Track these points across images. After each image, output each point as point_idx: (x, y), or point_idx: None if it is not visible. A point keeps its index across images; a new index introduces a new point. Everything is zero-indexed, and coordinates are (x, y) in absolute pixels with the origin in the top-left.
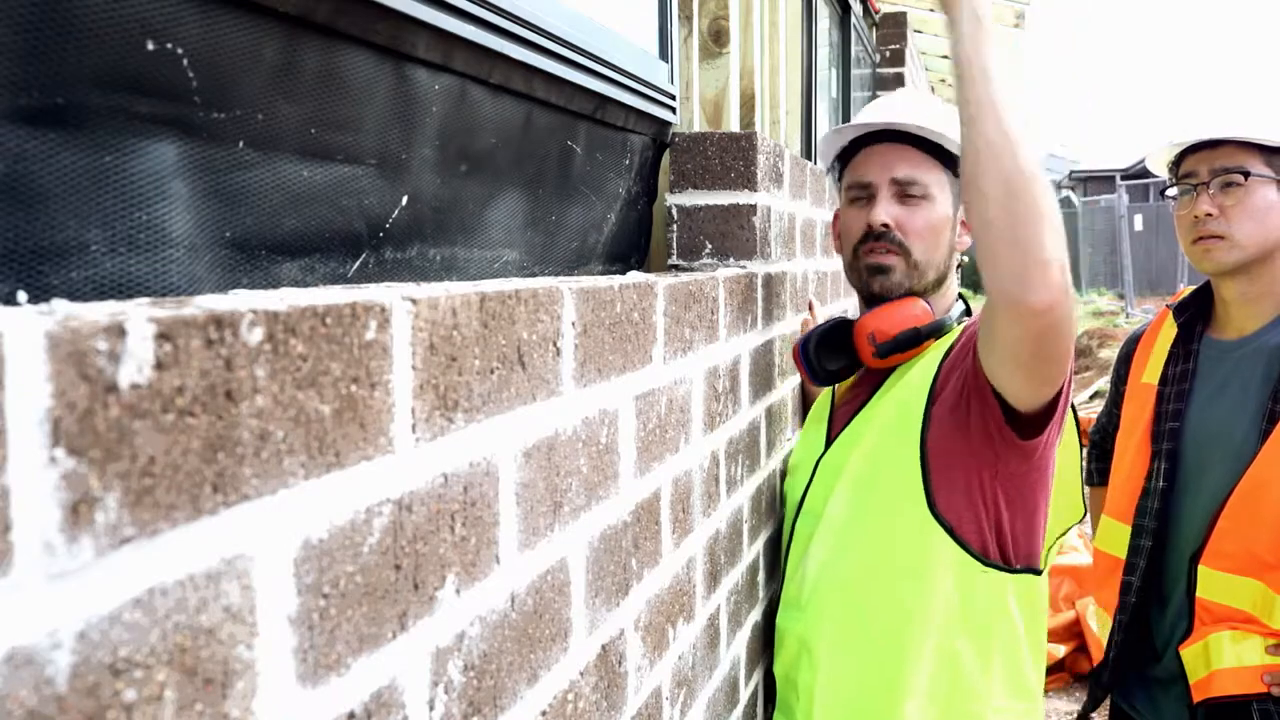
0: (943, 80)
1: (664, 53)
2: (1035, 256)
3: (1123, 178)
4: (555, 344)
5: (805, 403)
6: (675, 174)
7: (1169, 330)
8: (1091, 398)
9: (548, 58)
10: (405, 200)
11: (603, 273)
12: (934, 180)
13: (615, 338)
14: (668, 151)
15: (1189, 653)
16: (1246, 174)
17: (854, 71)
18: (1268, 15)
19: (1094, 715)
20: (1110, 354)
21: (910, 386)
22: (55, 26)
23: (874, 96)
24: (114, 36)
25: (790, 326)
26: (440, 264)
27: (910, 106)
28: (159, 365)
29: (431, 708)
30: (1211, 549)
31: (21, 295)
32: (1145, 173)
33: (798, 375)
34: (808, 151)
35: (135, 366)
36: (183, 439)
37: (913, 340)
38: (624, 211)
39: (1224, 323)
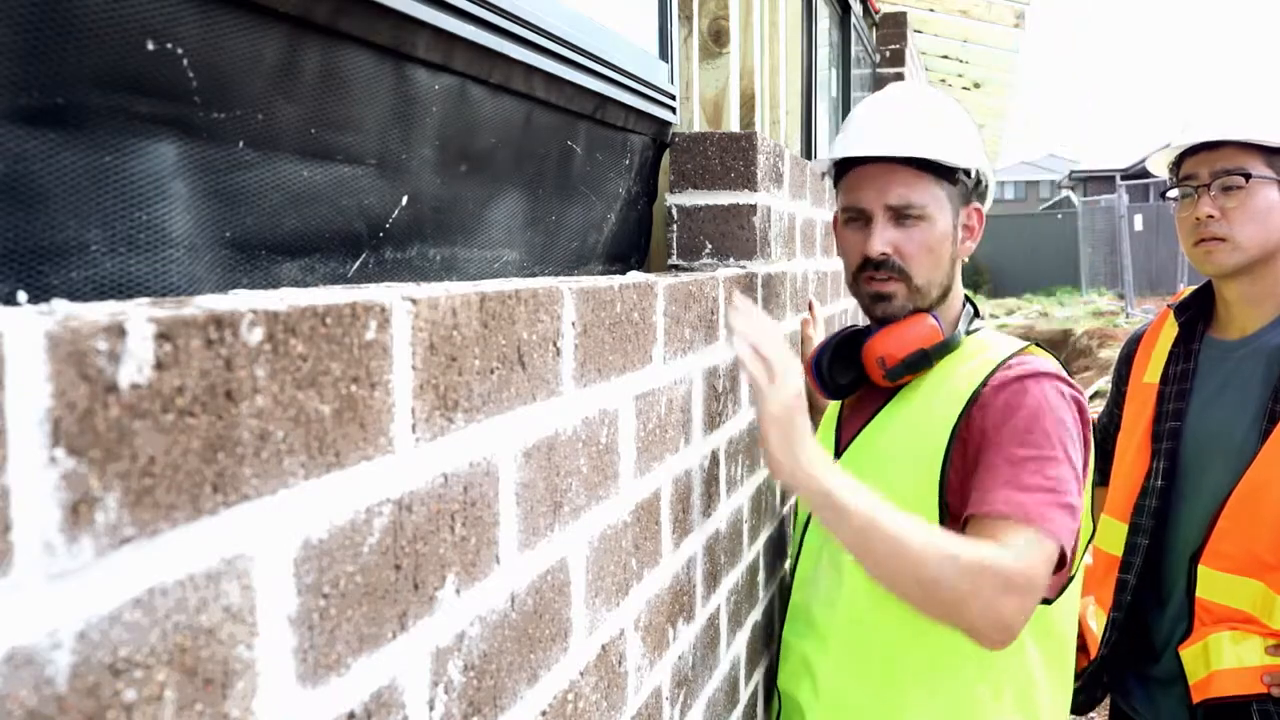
0: (943, 80)
1: (664, 53)
2: (974, 627)
3: (1123, 178)
4: (555, 344)
5: (811, 405)
6: (675, 174)
7: (1170, 330)
8: (1091, 398)
9: (548, 58)
10: (405, 200)
11: (603, 273)
12: (931, 198)
13: (615, 338)
14: (668, 151)
15: (1189, 653)
16: (1248, 176)
17: (854, 71)
18: (1268, 15)
19: (1094, 715)
20: (1110, 354)
21: (931, 418)
22: (55, 26)
23: None
24: (114, 36)
25: (790, 326)
26: (440, 264)
27: (905, 122)
28: (159, 365)
29: (431, 708)
30: (1211, 549)
31: (21, 295)
32: (1145, 173)
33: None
34: (808, 151)
35: (135, 366)
36: (183, 439)
37: (922, 362)
38: (624, 211)
39: (1225, 323)
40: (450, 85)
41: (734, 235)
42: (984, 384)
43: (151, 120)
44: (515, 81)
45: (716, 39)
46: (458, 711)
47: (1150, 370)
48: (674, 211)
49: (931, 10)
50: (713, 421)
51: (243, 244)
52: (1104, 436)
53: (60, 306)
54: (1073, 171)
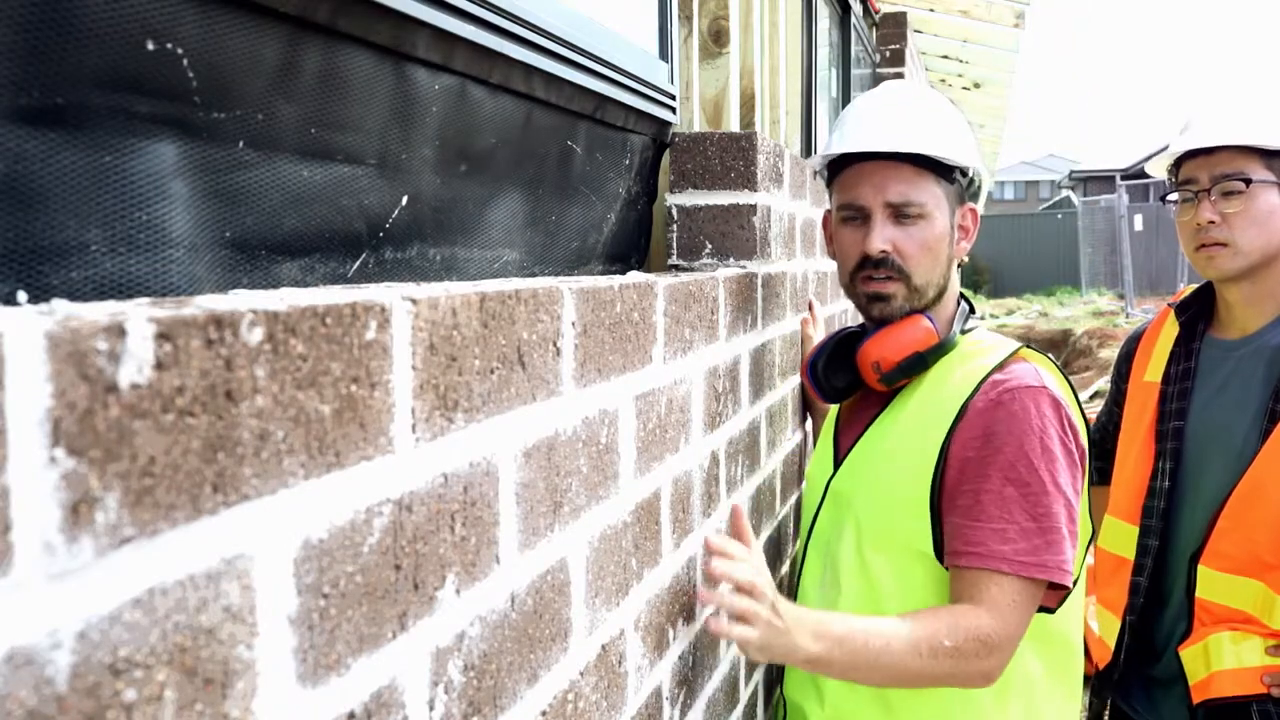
0: (943, 80)
1: (664, 53)
2: (962, 685)
3: (1123, 178)
4: (555, 344)
5: (807, 405)
6: (675, 174)
7: (1170, 329)
8: (1091, 398)
9: (548, 58)
10: (405, 200)
11: (603, 273)
12: (930, 196)
13: (615, 338)
14: (668, 151)
15: (1188, 653)
16: (1248, 181)
17: (854, 71)
18: (1268, 15)
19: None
20: (1110, 354)
21: (925, 428)
22: (55, 26)
23: None
24: (114, 36)
25: (790, 326)
26: (440, 264)
27: (903, 118)
28: (159, 365)
29: (431, 708)
30: (1211, 549)
31: (21, 295)
32: (1145, 173)
33: (798, 375)
34: (808, 151)
35: (135, 366)
36: (183, 439)
37: (917, 366)
38: (624, 211)
39: (1226, 322)
40: (450, 85)
41: (734, 235)
42: (973, 394)
43: (151, 120)
44: (515, 81)
45: (716, 39)
46: (458, 711)
47: (1151, 369)
48: (674, 211)
49: (931, 10)
50: (713, 421)
51: (243, 244)
52: (1103, 435)
53: (60, 306)
54: (1073, 171)
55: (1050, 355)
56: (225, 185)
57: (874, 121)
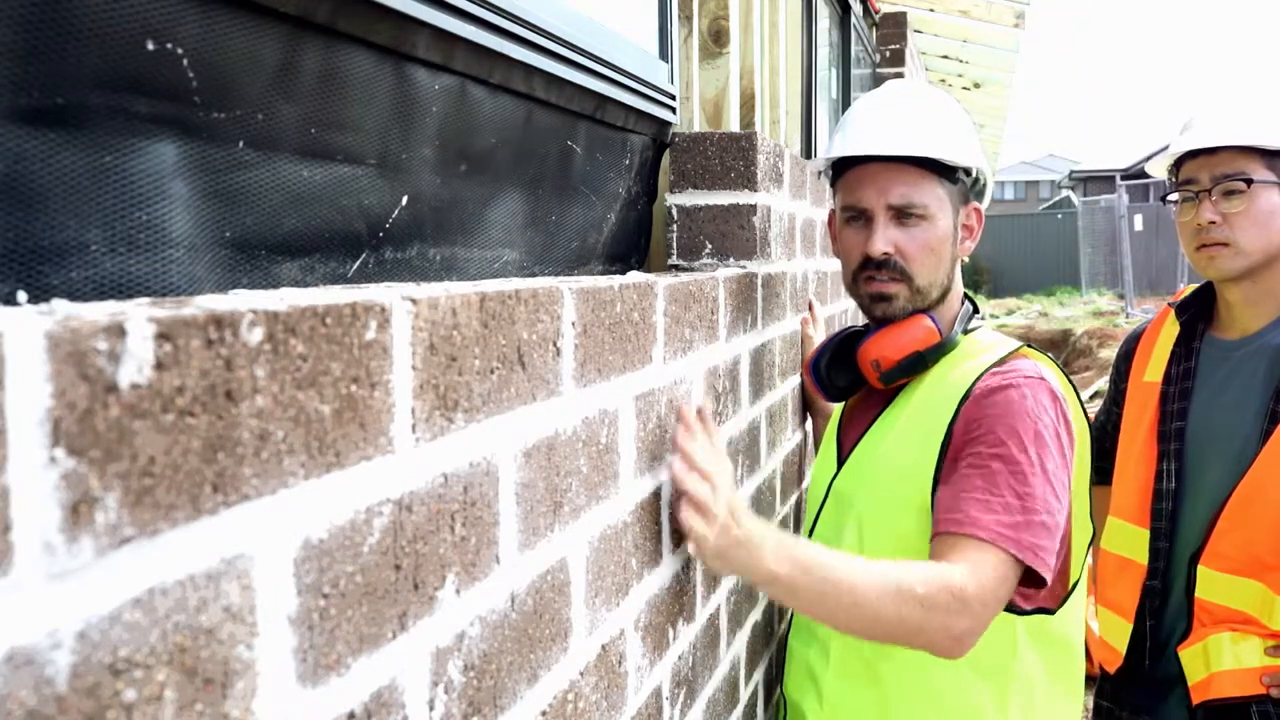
0: (943, 80)
1: (664, 53)
2: (929, 645)
3: (1123, 178)
4: (555, 344)
5: (809, 405)
6: (675, 174)
7: (1170, 329)
8: (1091, 397)
9: (548, 58)
10: (405, 200)
11: (603, 273)
12: (932, 197)
13: (615, 338)
14: (668, 151)
15: (1188, 654)
16: (1249, 181)
17: (854, 71)
18: (1268, 15)
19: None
20: (1110, 354)
21: (924, 426)
22: (55, 26)
23: None
24: (114, 36)
25: (790, 326)
26: (440, 264)
27: (906, 120)
28: (159, 365)
29: (431, 708)
30: (1211, 549)
31: (21, 295)
32: (1145, 172)
33: (798, 375)
34: (808, 151)
35: (135, 366)
36: (183, 439)
37: (917, 365)
38: (624, 211)
39: (1226, 322)
40: (450, 85)
41: (734, 235)
42: (970, 390)
43: (151, 120)
44: (515, 81)
45: (716, 39)
46: (458, 711)
47: (1151, 369)
48: (674, 211)
49: (931, 10)
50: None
51: (243, 244)
52: (1101, 434)
53: (60, 306)
54: (1073, 171)
55: (1051, 355)
56: (225, 185)
57: (877, 123)
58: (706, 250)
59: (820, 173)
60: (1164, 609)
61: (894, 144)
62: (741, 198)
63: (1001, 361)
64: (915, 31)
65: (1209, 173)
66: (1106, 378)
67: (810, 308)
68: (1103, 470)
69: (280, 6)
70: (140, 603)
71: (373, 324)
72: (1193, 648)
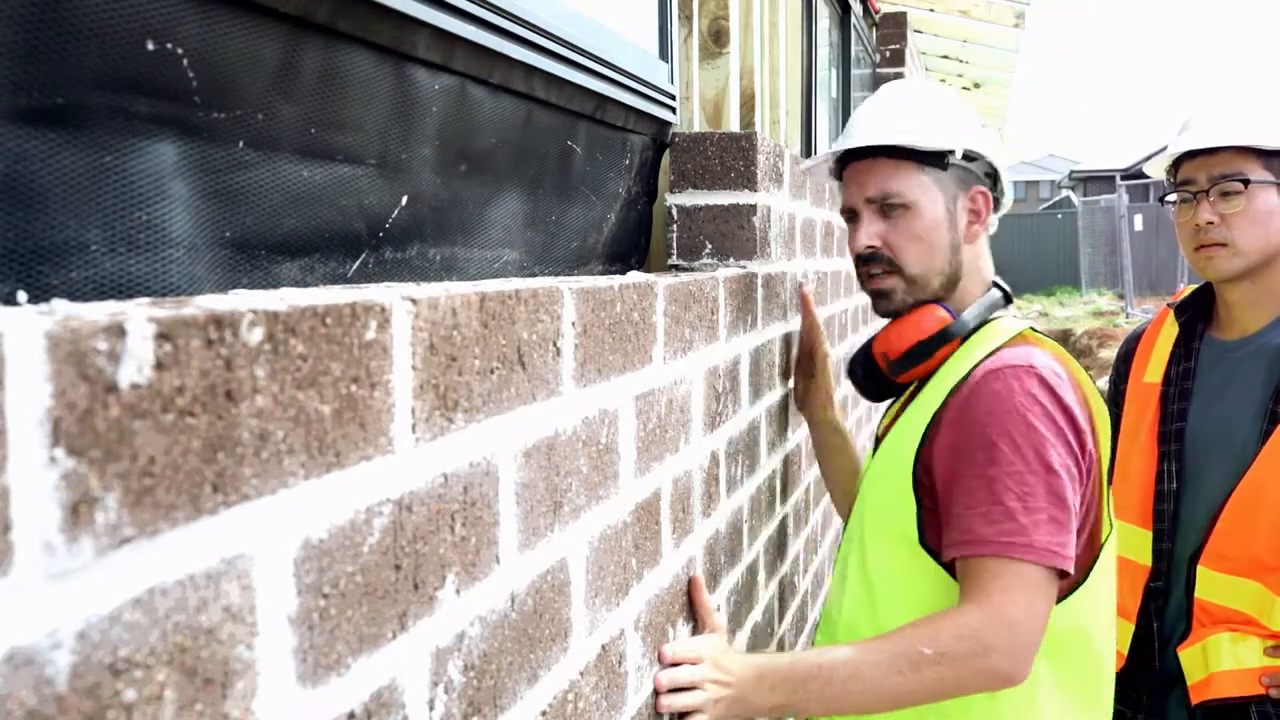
0: (943, 80)
1: (664, 53)
2: (983, 688)
3: (1123, 178)
4: (555, 344)
5: (801, 407)
6: (675, 174)
7: (1170, 329)
8: None
9: (548, 58)
10: (405, 200)
11: (603, 273)
12: (912, 185)
13: (615, 338)
14: (668, 151)
15: (1187, 654)
16: (1246, 181)
17: (854, 71)
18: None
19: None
20: (1110, 354)
21: (919, 420)
22: (55, 26)
23: None
24: (114, 36)
25: (790, 326)
26: (440, 264)
27: (881, 114)
28: (159, 365)
29: (431, 708)
30: (1210, 550)
31: (21, 295)
32: (1145, 173)
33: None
34: (808, 151)
35: (135, 366)
36: (183, 439)
37: (922, 354)
38: (624, 211)
39: (1226, 323)
40: (450, 85)
41: (734, 235)
42: (962, 382)
43: (151, 120)
44: (515, 81)
45: (716, 39)
46: (458, 711)
47: (1150, 370)
48: (674, 211)
49: (931, 10)
50: (713, 421)
51: (243, 244)
52: None
53: (60, 306)
54: (1073, 171)
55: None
56: (225, 185)
57: (855, 123)
58: (706, 250)
59: (835, 175)
60: (1165, 609)
61: (861, 137)
62: (741, 198)
63: (995, 352)
64: (915, 31)
65: (1206, 173)
66: (1106, 378)
67: (805, 300)
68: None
69: (280, 6)
70: (140, 603)
71: (373, 324)
72: (1192, 648)
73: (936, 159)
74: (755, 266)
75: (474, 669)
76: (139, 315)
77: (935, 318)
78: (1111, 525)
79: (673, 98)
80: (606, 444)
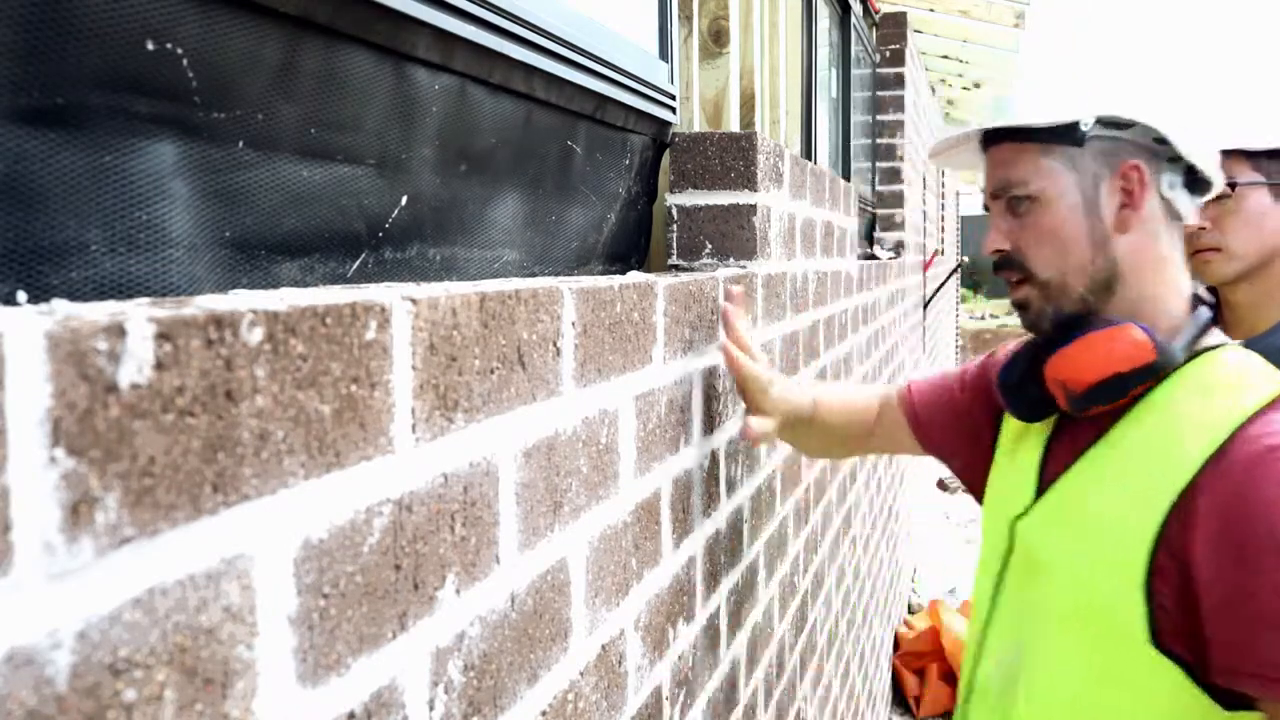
0: (943, 80)
1: (664, 53)
2: None
3: None
4: (555, 344)
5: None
6: (675, 174)
7: None
8: None
9: (548, 58)
10: (405, 200)
11: (603, 273)
12: (1035, 170)
13: (615, 338)
14: (668, 151)
15: None
16: (1233, 184)
17: (854, 71)
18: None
19: None
20: None
21: (1148, 482)
22: (55, 26)
23: (874, 96)
24: (114, 36)
25: (790, 326)
26: (440, 264)
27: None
28: (159, 365)
29: (431, 708)
30: None
31: (21, 295)
32: None
33: (800, 374)
34: (808, 151)
35: (135, 366)
36: (183, 439)
37: (1117, 391)
38: (624, 211)
39: (1232, 324)
40: (450, 85)
41: (734, 235)
42: (1223, 447)
43: (151, 120)
44: (515, 81)
45: (716, 39)
46: (458, 711)
47: None
48: (674, 211)
49: (931, 10)
50: (713, 421)
51: (243, 244)
52: None
53: (60, 306)
54: None
55: None
56: (225, 185)
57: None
58: (706, 250)
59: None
60: None
61: (985, 122)
62: (741, 198)
63: (1259, 415)
64: (915, 31)
65: None
66: None
67: (726, 316)
68: None
69: (280, 6)
70: (140, 603)
71: (373, 324)
72: None
73: (1066, 135)
74: (755, 266)
75: (474, 669)
76: (139, 315)
77: (1132, 343)
78: None
79: (673, 98)
80: (606, 444)
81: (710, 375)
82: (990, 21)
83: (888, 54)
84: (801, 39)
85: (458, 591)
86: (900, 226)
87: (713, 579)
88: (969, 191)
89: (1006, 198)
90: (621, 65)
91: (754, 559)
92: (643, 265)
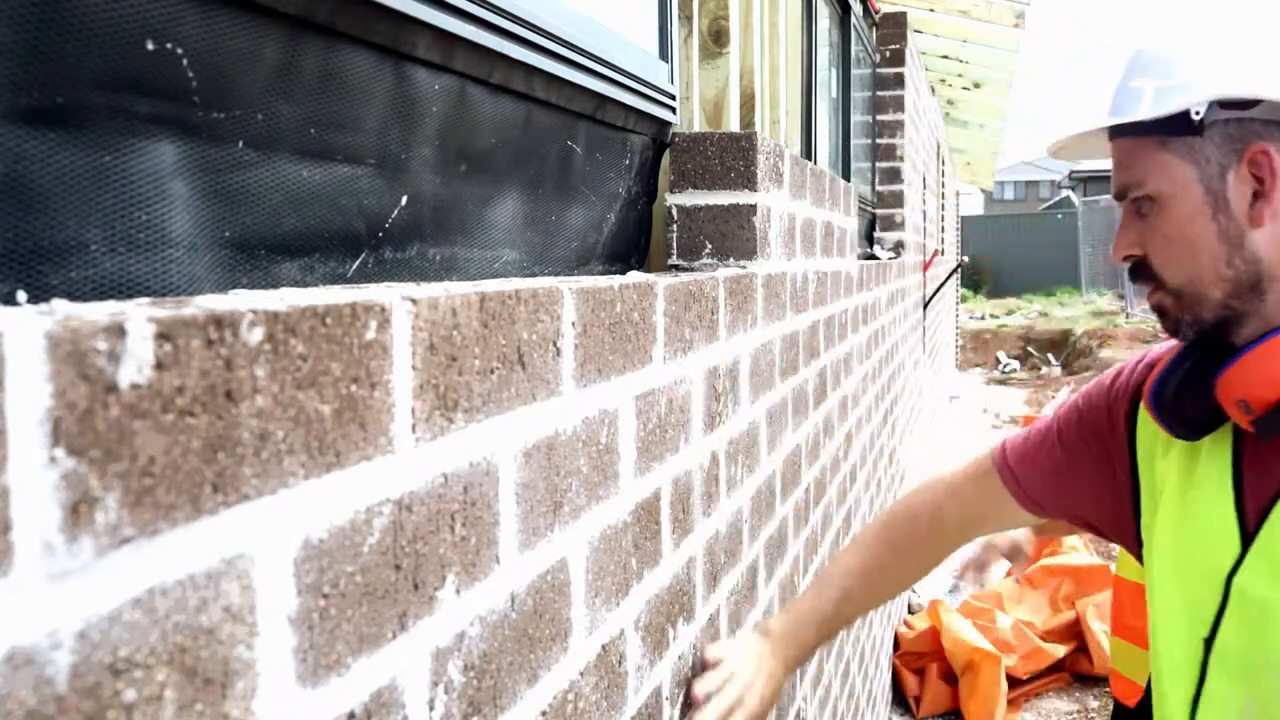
0: (943, 80)
1: (664, 53)
2: None
3: None
4: (555, 344)
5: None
6: (675, 174)
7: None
8: None
9: (548, 58)
10: (405, 200)
11: (603, 273)
12: (1152, 169)
13: (615, 338)
14: (668, 151)
15: None
16: None
17: (854, 71)
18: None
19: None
20: (1111, 354)
21: None
22: (55, 26)
23: (874, 96)
24: (114, 36)
25: (790, 327)
26: (440, 264)
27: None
28: (159, 365)
29: (431, 708)
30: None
31: (21, 295)
32: None
33: (800, 375)
34: (808, 151)
35: (135, 366)
36: (183, 439)
37: None
38: (624, 211)
39: None
40: (450, 85)
41: (734, 235)
42: None
43: (151, 120)
44: (515, 82)
45: (716, 39)
46: (458, 711)
47: None
48: (674, 211)
49: (931, 10)
50: (713, 421)
51: (243, 244)
52: None
53: (60, 306)
54: (1073, 171)
55: None
56: (225, 185)
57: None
58: (706, 250)
59: None
60: None
61: (1081, 121)
62: (741, 198)
63: None
64: (915, 31)
65: None
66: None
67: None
68: None
69: (280, 6)
70: (140, 603)
71: (373, 324)
72: None
73: (1183, 124)
74: (755, 266)
75: (474, 669)
76: (139, 315)
77: None
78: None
79: (673, 98)
80: (606, 444)
81: (710, 375)
82: (990, 21)
83: (888, 54)
84: (801, 39)
85: (458, 591)
86: (900, 226)
87: (713, 579)
88: (969, 191)
89: (1131, 199)
90: (621, 65)
91: (754, 559)
92: (643, 265)
